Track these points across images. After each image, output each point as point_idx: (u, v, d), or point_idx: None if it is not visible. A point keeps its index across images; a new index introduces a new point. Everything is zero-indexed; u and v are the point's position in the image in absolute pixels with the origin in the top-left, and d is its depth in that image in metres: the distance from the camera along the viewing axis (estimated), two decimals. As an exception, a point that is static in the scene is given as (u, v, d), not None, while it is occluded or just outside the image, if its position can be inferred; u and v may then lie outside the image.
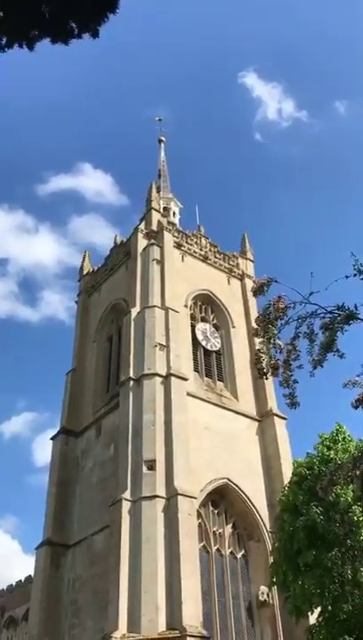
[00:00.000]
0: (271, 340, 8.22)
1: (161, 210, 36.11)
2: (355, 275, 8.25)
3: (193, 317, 32.29)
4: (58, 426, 32.83)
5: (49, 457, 31.91)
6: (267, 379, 9.10)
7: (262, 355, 8.37)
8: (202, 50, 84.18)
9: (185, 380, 27.58)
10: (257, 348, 9.03)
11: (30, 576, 33.99)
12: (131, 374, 27.28)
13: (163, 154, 45.12)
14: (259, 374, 8.72)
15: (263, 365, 8.36)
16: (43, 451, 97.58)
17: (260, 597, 25.91)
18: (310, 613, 18.91)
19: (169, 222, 35.37)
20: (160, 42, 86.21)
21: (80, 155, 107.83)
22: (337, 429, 20.54)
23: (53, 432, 32.79)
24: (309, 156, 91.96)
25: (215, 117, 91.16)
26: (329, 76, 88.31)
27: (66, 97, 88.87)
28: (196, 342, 31.36)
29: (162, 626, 21.24)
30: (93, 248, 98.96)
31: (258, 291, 8.37)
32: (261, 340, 8.52)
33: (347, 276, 8.28)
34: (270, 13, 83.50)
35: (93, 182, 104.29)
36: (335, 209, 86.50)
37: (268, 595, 25.75)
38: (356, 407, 8.60)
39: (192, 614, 21.58)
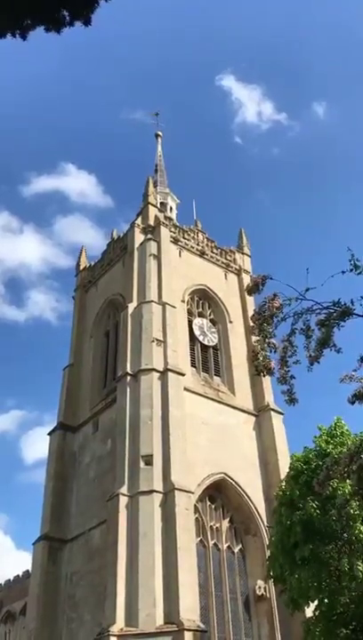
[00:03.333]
0: (266, 339, 8.21)
1: (158, 205, 36.02)
2: (351, 270, 8.25)
3: (190, 312, 32.29)
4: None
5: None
6: (264, 376, 9.09)
7: (259, 353, 8.36)
8: (180, 51, 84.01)
9: (182, 375, 27.60)
10: (254, 344, 9.01)
11: (28, 571, 34.09)
12: (128, 369, 27.30)
13: (159, 148, 44.87)
14: (256, 372, 8.72)
15: (260, 364, 8.35)
16: (31, 448, 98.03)
17: (257, 591, 26.03)
18: (306, 607, 18.96)
19: (166, 217, 35.32)
20: (137, 42, 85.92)
21: (63, 155, 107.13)
22: (336, 423, 20.52)
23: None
24: (292, 156, 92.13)
25: (198, 119, 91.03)
26: (307, 78, 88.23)
27: (48, 96, 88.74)
28: (193, 337, 31.36)
29: (159, 620, 21.34)
30: (79, 248, 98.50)
31: (252, 289, 8.34)
32: (256, 338, 8.51)
33: (343, 272, 8.27)
34: (245, 15, 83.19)
35: (77, 183, 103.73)
36: (330, 205, 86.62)
37: (265, 588, 25.86)
38: (352, 402, 8.59)
39: (190, 608, 21.69)
